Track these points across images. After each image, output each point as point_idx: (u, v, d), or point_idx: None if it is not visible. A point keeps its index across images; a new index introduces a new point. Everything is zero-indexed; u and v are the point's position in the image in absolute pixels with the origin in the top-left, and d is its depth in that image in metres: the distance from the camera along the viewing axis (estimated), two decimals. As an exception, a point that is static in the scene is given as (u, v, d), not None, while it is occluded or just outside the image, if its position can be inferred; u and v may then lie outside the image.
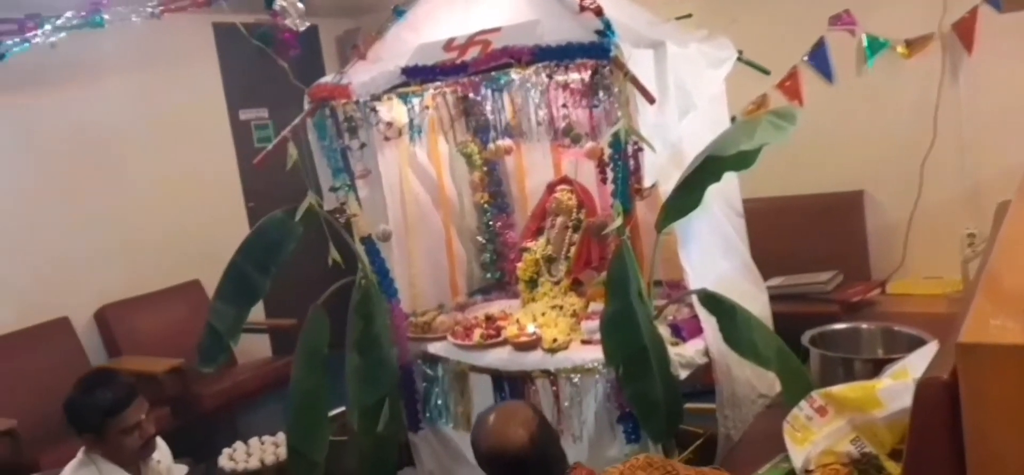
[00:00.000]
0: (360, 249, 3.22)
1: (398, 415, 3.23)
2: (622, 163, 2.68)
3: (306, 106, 3.18)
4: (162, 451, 2.48)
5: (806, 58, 4.04)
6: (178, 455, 2.69)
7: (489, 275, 3.90)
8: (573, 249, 3.33)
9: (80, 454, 2.31)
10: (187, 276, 4.41)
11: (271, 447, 3.50)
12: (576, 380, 2.83)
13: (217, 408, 3.92)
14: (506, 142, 3.49)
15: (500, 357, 3.02)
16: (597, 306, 2.95)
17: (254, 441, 3.56)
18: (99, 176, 4.22)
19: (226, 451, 3.52)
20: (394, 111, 3.41)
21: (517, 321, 3.16)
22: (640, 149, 2.71)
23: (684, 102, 2.77)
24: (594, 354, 2.78)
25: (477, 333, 3.15)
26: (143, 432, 2.31)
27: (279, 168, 3.09)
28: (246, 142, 4.98)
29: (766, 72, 3.27)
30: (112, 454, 2.28)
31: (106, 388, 2.27)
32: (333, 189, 3.23)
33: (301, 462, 3.05)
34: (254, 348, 4.50)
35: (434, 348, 3.24)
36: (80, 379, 2.36)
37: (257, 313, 4.43)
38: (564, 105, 3.00)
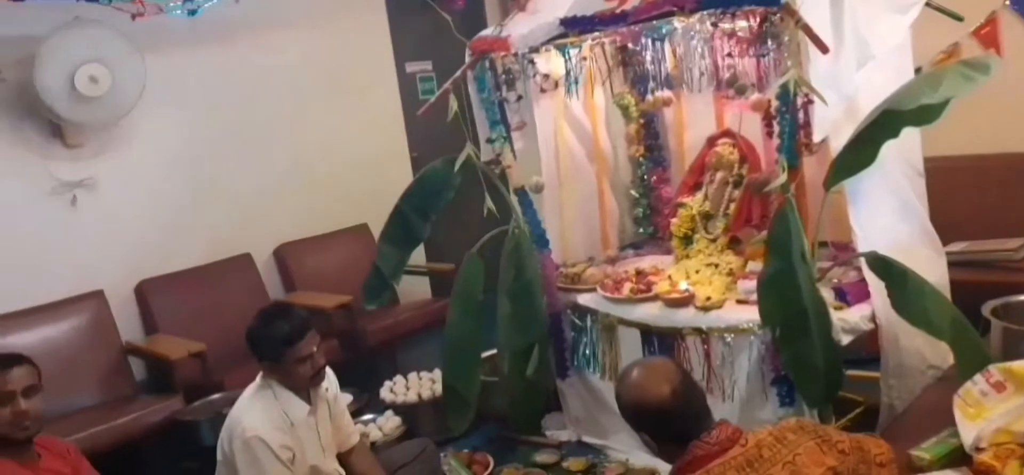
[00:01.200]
0: (513, 200, 3.27)
1: (546, 361, 3.29)
2: (790, 116, 2.56)
3: (467, 59, 3.25)
4: (330, 380, 2.65)
5: (1008, 2, 3.64)
6: (344, 385, 2.89)
7: (642, 230, 3.85)
8: (733, 206, 3.22)
9: (258, 378, 2.51)
10: (356, 219, 4.66)
11: (428, 382, 3.68)
12: (729, 340, 2.75)
13: (380, 343, 4.13)
14: (665, 93, 3.41)
15: (650, 312, 2.99)
16: (755, 266, 2.84)
17: (413, 376, 3.76)
18: (278, 124, 4.51)
19: (387, 383, 3.74)
20: (551, 63, 3.42)
21: (669, 277, 3.11)
22: (810, 101, 2.58)
23: (861, 51, 2.59)
24: (749, 314, 2.69)
25: (627, 287, 3.14)
26: (315, 362, 2.46)
27: (441, 119, 3.19)
28: (411, 94, 5.15)
29: (958, 18, 2.98)
30: (287, 380, 2.46)
31: (284, 320, 2.43)
32: (490, 141, 3.30)
33: (455, 398, 3.19)
34: (415, 289, 4.71)
35: (583, 299, 3.25)
36: (261, 311, 2.55)
37: (418, 257, 4.62)
38: (729, 54, 2.89)
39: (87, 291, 3.77)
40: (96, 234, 3.87)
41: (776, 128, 2.64)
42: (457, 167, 3.20)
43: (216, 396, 3.39)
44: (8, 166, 3.63)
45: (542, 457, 3.18)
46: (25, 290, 3.61)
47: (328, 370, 2.61)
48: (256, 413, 2.40)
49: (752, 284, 2.68)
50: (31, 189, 3.70)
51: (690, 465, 1.61)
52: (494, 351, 3.41)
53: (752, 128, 3.19)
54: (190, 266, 4.11)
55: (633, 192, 3.84)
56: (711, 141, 3.38)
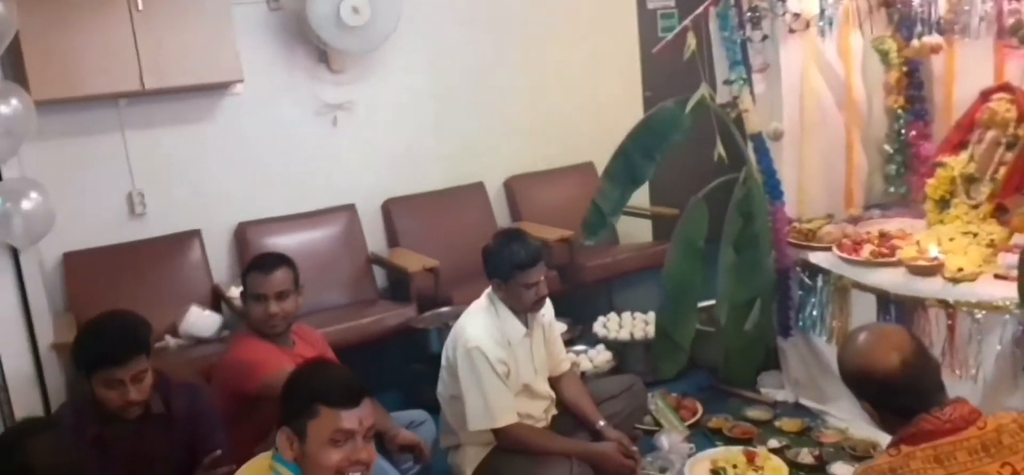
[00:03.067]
0: (748, 146, 3.13)
1: (769, 317, 3.16)
2: (1085, 69, 2.20)
3: (712, -5, 3.14)
4: (547, 307, 2.75)
5: None
6: (559, 315, 2.98)
7: (892, 189, 3.52)
8: (1003, 170, 2.85)
9: (484, 296, 2.66)
10: (583, 157, 4.70)
11: (641, 323, 3.67)
12: (979, 316, 2.47)
13: (597, 280, 4.18)
14: (934, 39, 3.07)
15: (890, 278, 2.76)
16: (1022, 239, 2.52)
17: (626, 315, 3.78)
18: (517, 60, 4.64)
19: (601, 319, 3.79)
20: (804, 1, 3.19)
21: (917, 242, 2.84)
22: (1114, 53, 2.20)
23: None
24: (1007, 291, 2.40)
25: (867, 249, 2.91)
26: (539, 290, 2.58)
27: (677, 58, 3.11)
28: (650, 31, 5.05)
29: None
30: (510, 301, 2.59)
31: (519, 246, 2.56)
32: (727, 82, 3.18)
33: (667, 343, 3.17)
34: (636, 231, 4.70)
35: (816, 258, 3.07)
36: (499, 233, 2.70)
37: (642, 200, 4.60)
38: (1016, -2, 2.54)
39: (342, 204, 4.17)
40: (352, 153, 4.26)
41: (1067, 83, 2.29)
42: (688, 108, 3.12)
43: (445, 309, 3.62)
44: (282, 87, 4.07)
45: (754, 413, 3.08)
46: (291, 198, 4.08)
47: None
48: (479, 327, 2.56)
49: (1015, 259, 2.38)
50: (300, 109, 4.13)
51: (915, 437, 1.48)
52: (712, 302, 3.33)
53: (1037, 83, 2.79)
54: (430, 189, 4.40)
55: (887, 147, 3.51)
56: (985, 95, 3.01)
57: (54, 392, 3.10)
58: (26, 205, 2.92)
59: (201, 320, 3.52)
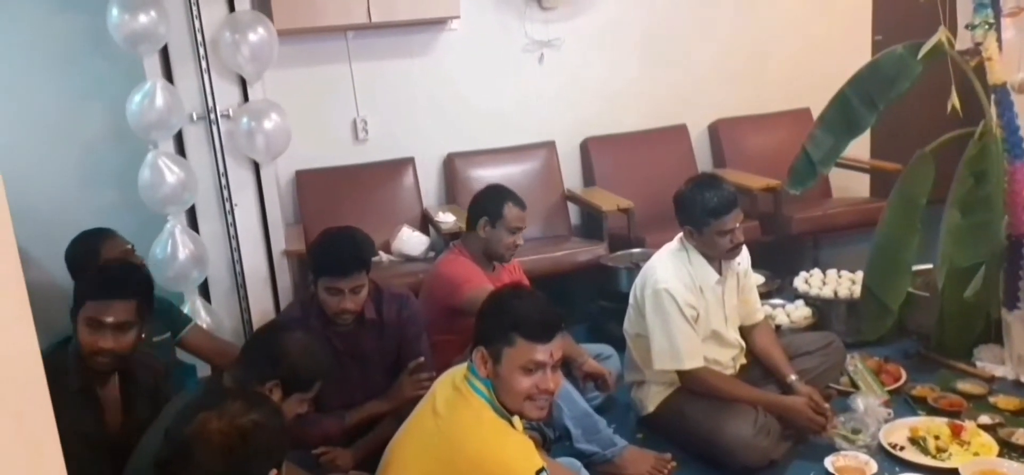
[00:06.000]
0: (990, 99, 2.84)
1: (993, 286, 2.87)
2: None
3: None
4: (743, 256, 2.69)
5: None
6: (757, 266, 2.89)
7: None
8: None
9: (676, 240, 2.65)
10: (799, 104, 4.45)
11: (847, 281, 3.46)
12: None
13: (803, 233, 3.99)
14: None
15: None
16: None
17: (831, 272, 3.57)
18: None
19: (803, 274, 3.61)
20: (1072, -66, 2.80)
21: None
22: None
23: None
24: None
25: (1126, 219, 2.55)
26: (734, 238, 2.52)
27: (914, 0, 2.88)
28: (884, -31, 4.66)
29: None
30: (703, 247, 2.56)
31: (713, 192, 2.51)
32: (970, 27, 2.89)
33: (874, 304, 2.99)
34: (852, 185, 4.41)
35: (1059, 225, 2.74)
36: (693, 178, 2.66)
37: (862, 151, 4.31)
38: None
39: (542, 140, 4.27)
40: (555, 91, 4.32)
41: None
42: (921, 54, 2.87)
43: (636, 250, 3.64)
44: (494, 23, 4.18)
45: (966, 386, 2.82)
46: (496, 132, 4.23)
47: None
48: (669, 269, 2.56)
49: None
50: (509, 46, 4.23)
51: None
52: (928, 266, 3.08)
53: None
54: (630, 130, 4.38)
55: None
56: None
57: (283, 291, 3.50)
58: (267, 125, 3.28)
59: (411, 240, 3.79)
